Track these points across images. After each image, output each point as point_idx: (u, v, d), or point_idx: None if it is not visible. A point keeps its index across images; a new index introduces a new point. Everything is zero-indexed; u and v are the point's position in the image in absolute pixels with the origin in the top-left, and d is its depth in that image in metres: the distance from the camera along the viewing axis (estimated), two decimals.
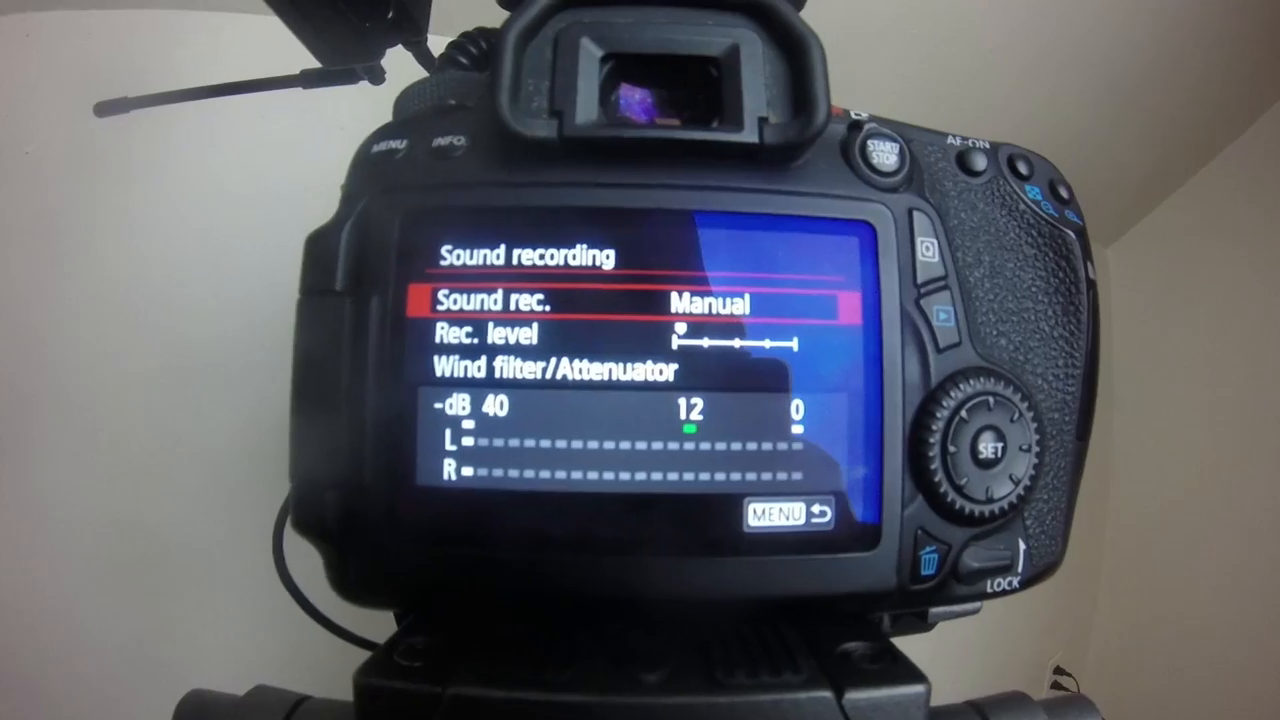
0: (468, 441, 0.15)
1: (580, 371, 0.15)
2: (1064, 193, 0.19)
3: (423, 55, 0.24)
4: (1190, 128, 0.69)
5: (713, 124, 0.16)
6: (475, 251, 0.16)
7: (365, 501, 0.15)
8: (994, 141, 0.19)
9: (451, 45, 0.23)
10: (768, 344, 0.15)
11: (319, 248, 0.16)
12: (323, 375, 0.16)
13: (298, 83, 0.23)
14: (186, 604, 0.48)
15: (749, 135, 0.16)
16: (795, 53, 0.16)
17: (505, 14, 0.22)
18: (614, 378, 0.15)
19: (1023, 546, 0.17)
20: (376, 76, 0.24)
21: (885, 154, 0.17)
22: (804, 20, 0.17)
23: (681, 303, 0.15)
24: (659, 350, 0.15)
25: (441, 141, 0.17)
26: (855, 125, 0.17)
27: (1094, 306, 0.18)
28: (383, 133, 0.17)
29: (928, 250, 0.17)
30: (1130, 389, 0.79)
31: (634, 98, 0.17)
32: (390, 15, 0.22)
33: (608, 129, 0.16)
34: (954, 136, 0.19)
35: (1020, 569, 0.17)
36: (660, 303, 0.15)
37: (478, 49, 0.23)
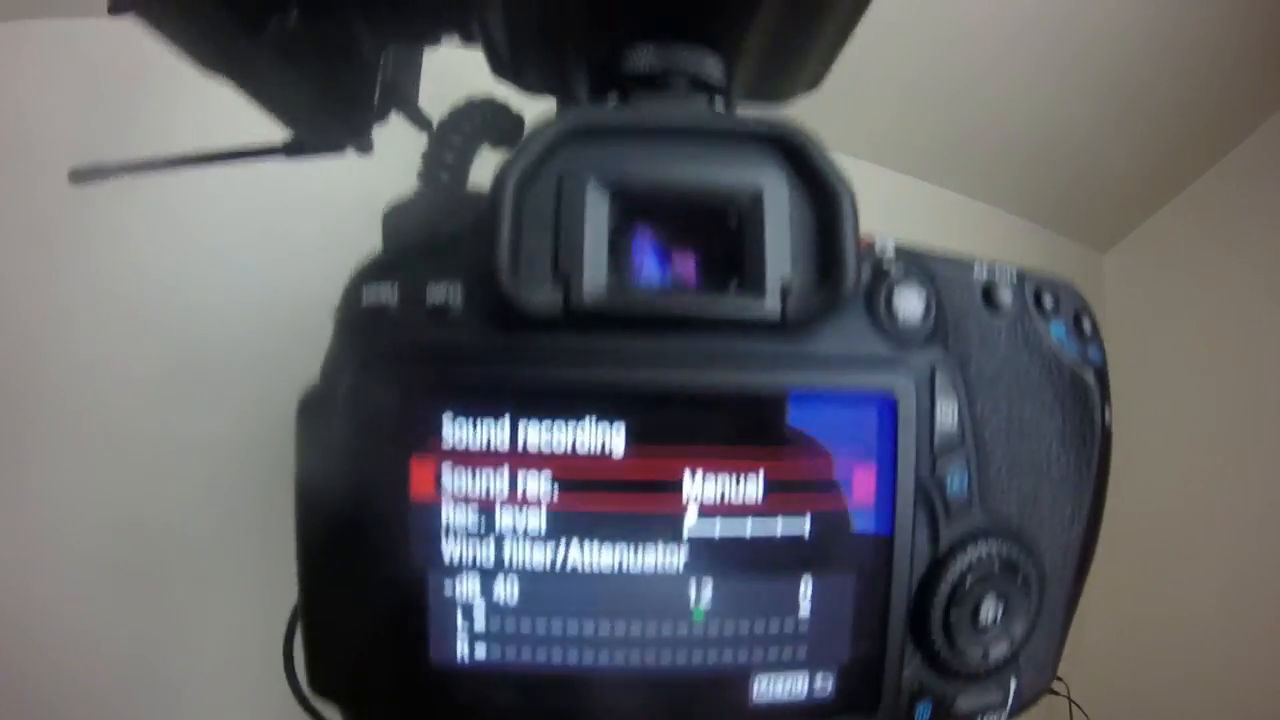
0: (479, 625, 0.15)
1: (590, 558, 0.15)
2: (1088, 326, 0.18)
3: (415, 116, 0.22)
4: (1190, 135, 0.68)
5: (731, 284, 0.15)
6: (479, 425, 0.15)
7: (379, 675, 0.15)
8: (1021, 270, 0.18)
9: (441, 128, 0.21)
10: (780, 527, 0.15)
11: (313, 420, 0.15)
12: (328, 554, 0.15)
13: (280, 152, 0.21)
14: (187, 606, 0.49)
15: (770, 306, 0.15)
16: (825, 202, 0.15)
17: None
18: (624, 565, 0.15)
19: (1014, 684, 0.18)
20: (364, 148, 0.21)
21: (911, 304, 0.16)
22: (835, 163, 0.15)
23: (694, 485, 0.15)
24: (670, 537, 0.15)
25: (437, 297, 0.15)
26: (881, 273, 0.16)
27: (1106, 452, 0.18)
28: (371, 275, 0.16)
29: (948, 413, 0.16)
30: (1123, 392, 0.79)
31: (646, 248, 0.16)
32: (376, 98, 0.19)
33: (618, 300, 0.15)
34: (980, 266, 0.18)
35: (1010, 703, 0.18)
36: (672, 487, 0.15)
37: (471, 125, 0.21)
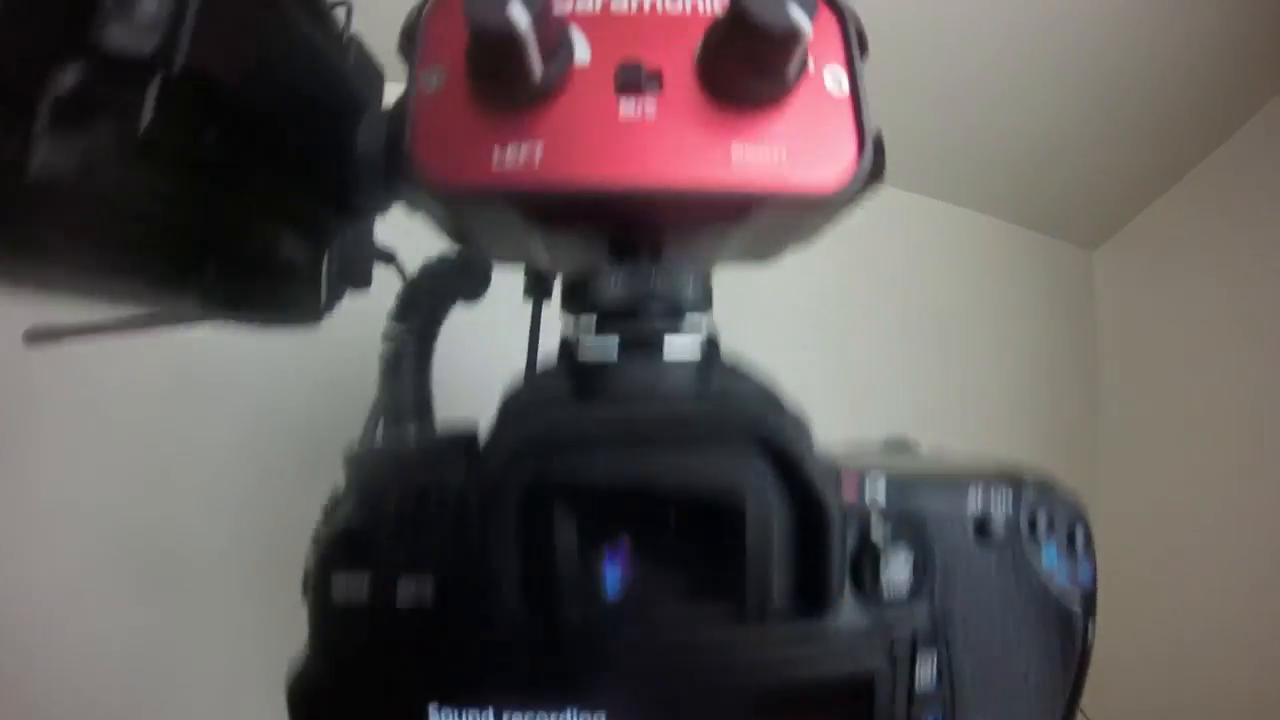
0: None
1: None
2: (1081, 542, 0.18)
3: (382, 259, 0.20)
4: (1178, 131, 0.68)
5: (706, 586, 0.15)
6: (465, 717, 0.15)
7: None
8: (1017, 488, 0.17)
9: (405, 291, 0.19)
10: None
11: (303, 705, 0.16)
12: None
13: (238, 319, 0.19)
14: (189, 614, 0.51)
15: (750, 615, 0.14)
16: (811, 514, 0.14)
17: None
18: None
19: None
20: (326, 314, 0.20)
21: (899, 572, 0.16)
22: (823, 469, 0.14)
23: None
24: None
25: (408, 598, 0.15)
26: (868, 544, 0.16)
27: (1084, 666, 0.18)
28: (340, 561, 0.15)
29: (926, 670, 0.16)
30: (1115, 394, 0.80)
31: (619, 553, 0.15)
32: (324, 291, 0.18)
33: (593, 618, 0.14)
34: (974, 494, 0.17)
35: None
36: None
37: (437, 288, 0.19)
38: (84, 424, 0.53)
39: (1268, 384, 0.65)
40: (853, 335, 0.73)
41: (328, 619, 0.15)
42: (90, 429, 0.53)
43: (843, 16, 0.17)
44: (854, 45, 0.17)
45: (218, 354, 0.53)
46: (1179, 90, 0.64)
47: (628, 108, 0.16)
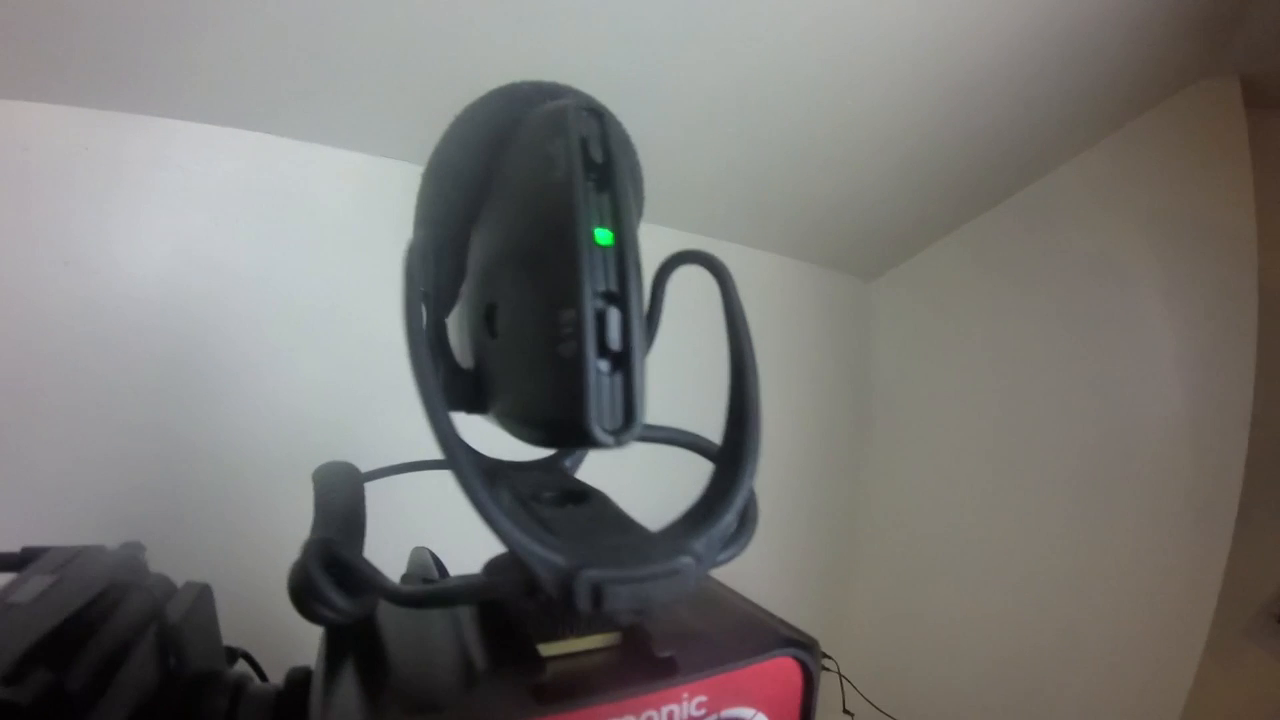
0: None
1: None
2: None
3: None
4: (958, 193, 0.85)
5: None
6: None
7: None
8: None
9: None
10: None
11: None
12: None
13: None
14: None
15: None
16: None
17: None
18: None
19: None
20: None
21: None
22: None
23: None
24: None
25: None
26: None
27: None
28: None
29: None
30: (887, 403, 0.95)
31: None
32: None
33: None
34: None
35: None
36: None
37: None
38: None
39: (1007, 402, 0.84)
40: (656, 359, 0.84)
41: None
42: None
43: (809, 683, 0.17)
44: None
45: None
46: (967, 157, 0.77)
47: None
